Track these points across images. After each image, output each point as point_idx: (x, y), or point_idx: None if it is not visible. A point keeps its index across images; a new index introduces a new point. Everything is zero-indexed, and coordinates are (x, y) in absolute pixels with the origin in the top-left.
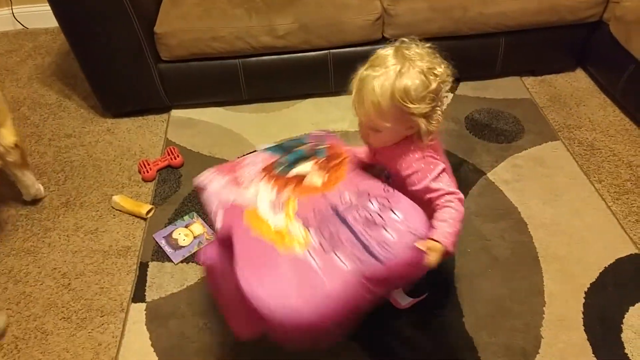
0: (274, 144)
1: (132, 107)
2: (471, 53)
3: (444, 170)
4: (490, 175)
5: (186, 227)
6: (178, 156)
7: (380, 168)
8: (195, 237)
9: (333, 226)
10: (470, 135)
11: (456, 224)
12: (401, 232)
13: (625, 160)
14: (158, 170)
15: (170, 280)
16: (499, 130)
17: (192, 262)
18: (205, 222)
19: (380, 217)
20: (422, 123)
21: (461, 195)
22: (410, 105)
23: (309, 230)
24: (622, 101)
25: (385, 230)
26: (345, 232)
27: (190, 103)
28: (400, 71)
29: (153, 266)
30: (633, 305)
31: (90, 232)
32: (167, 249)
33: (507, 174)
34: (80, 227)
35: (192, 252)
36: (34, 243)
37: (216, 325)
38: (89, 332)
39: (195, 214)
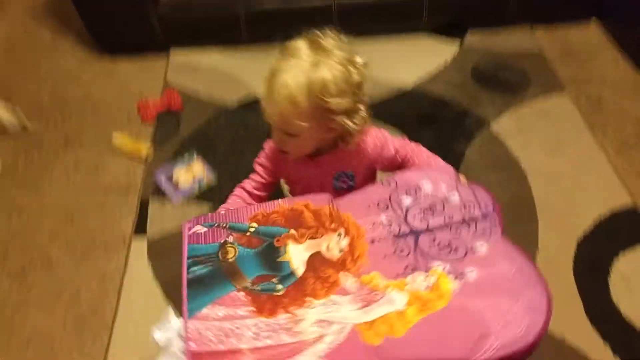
0: (197, 292)
1: (128, 46)
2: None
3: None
4: (493, 126)
5: (186, 167)
6: (178, 99)
7: (338, 175)
8: (195, 177)
9: (430, 243)
10: (476, 85)
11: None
12: (450, 190)
13: (632, 115)
14: (158, 112)
15: (171, 219)
16: (505, 82)
17: (193, 202)
18: (208, 164)
19: (428, 199)
20: (345, 121)
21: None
22: (330, 100)
23: (428, 269)
24: (635, 56)
25: (447, 201)
26: (441, 233)
27: (189, 43)
28: (317, 62)
29: (154, 205)
30: (623, 254)
31: (91, 170)
32: (168, 189)
33: (510, 126)
34: (80, 164)
35: (193, 193)
36: (36, 179)
37: None
38: (94, 264)
39: (195, 153)
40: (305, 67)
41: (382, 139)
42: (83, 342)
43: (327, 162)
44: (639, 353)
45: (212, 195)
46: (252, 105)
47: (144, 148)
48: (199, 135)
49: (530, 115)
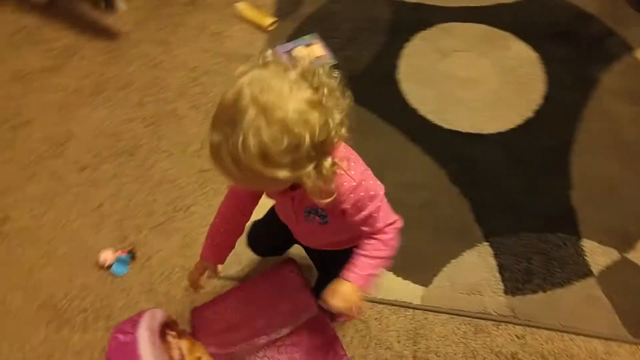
0: None
1: None
2: None
3: (383, 198)
4: (638, 52)
5: (306, 46)
6: None
7: (309, 210)
8: (316, 59)
9: None
10: (625, 4)
11: (382, 265)
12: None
13: None
14: None
15: None
16: None
17: None
18: (328, 46)
19: None
20: (307, 179)
21: (399, 223)
22: (274, 174)
23: None
24: None
25: None
26: None
27: None
28: (251, 132)
29: None
30: None
31: (215, 34)
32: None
33: None
34: (205, 27)
35: None
36: (166, 35)
37: None
38: None
39: (317, 36)
40: (236, 141)
41: (367, 197)
42: (208, 194)
43: (298, 196)
44: None
45: None
46: None
47: (266, 20)
48: (321, 14)
49: None
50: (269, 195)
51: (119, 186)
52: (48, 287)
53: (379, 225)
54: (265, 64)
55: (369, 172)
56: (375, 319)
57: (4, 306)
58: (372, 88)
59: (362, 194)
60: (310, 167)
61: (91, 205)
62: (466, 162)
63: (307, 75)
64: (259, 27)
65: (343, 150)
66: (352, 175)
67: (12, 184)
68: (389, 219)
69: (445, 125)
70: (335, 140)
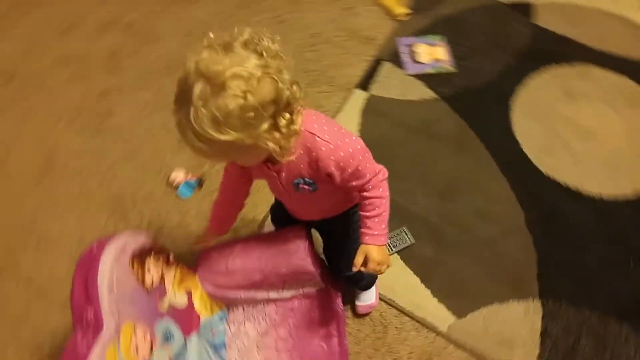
0: None
1: None
2: None
3: (364, 149)
4: None
5: (430, 46)
6: None
7: (297, 181)
8: (435, 60)
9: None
10: None
11: (387, 214)
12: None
13: None
14: None
15: (396, 86)
16: None
17: (422, 80)
18: (452, 52)
19: None
20: (269, 142)
21: (385, 172)
22: (231, 139)
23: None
24: None
25: None
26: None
27: None
28: (200, 104)
29: (387, 66)
30: None
31: (346, 8)
32: (406, 58)
33: None
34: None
35: (430, 72)
36: None
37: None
38: (318, 92)
39: (445, 39)
40: (192, 117)
41: (347, 156)
42: None
43: (283, 170)
44: None
45: (444, 82)
46: (523, 8)
47: (400, 9)
48: (457, 19)
49: None
50: (256, 175)
51: None
52: (121, 183)
53: (368, 176)
54: (209, 44)
55: (343, 130)
56: (396, 327)
57: (82, 189)
58: (482, 106)
59: (342, 153)
60: (265, 126)
61: None
62: (551, 213)
63: (249, 45)
64: (390, 14)
65: (313, 116)
66: (327, 139)
67: (126, 86)
68: (374, 169)
69: (544, 168)
70: (288, 96)
